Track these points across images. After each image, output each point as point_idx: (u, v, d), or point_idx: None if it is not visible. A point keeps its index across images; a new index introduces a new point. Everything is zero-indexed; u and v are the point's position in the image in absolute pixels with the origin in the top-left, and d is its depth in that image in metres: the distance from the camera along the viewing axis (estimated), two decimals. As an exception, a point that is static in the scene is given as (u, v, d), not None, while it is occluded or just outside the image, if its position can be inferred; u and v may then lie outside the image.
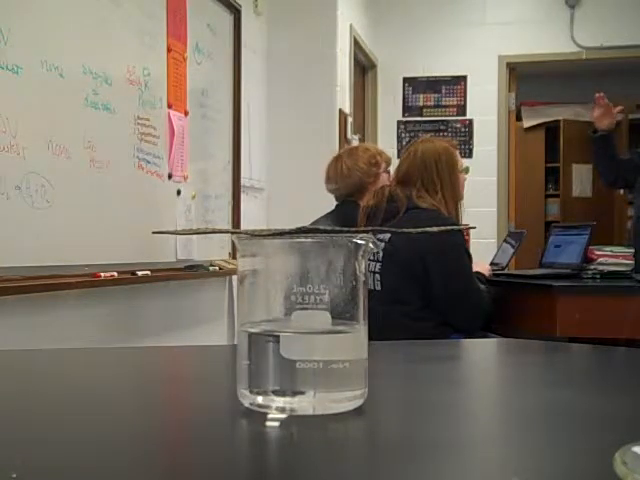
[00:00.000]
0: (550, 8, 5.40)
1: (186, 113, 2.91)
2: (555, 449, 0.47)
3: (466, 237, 2.51)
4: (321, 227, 0.57)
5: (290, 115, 4.00)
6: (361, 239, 0.55)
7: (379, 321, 2.15)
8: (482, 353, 1.01)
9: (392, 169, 2.83)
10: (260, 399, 0.54)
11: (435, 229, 0.65)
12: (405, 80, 5.56)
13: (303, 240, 0.54)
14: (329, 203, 3.03)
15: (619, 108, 3.48)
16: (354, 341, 0.55)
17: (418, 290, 2.31)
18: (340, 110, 4.18)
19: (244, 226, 3.47)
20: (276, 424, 0.52)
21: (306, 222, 2.48)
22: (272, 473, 0.44)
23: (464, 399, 0.65)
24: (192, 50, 2.98)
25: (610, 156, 3.47)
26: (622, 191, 6.34)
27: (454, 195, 2.42)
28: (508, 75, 5.54)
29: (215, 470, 0.43)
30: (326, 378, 0.53)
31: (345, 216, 2.72)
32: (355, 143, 4.37)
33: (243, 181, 3.54)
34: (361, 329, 0.55)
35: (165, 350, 1.11)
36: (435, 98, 5.55)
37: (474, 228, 0.81)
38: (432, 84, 5.53)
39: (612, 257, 3.03)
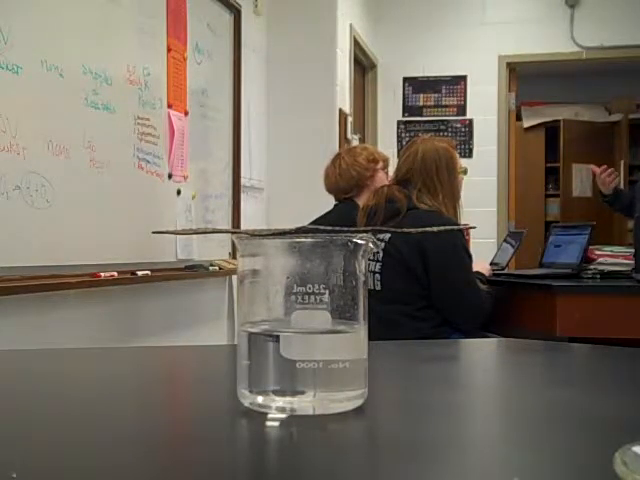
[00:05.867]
0: (550, 8, 5.40)
1: (186, 113, 2.91)
2: (555, 449, 0.47)
3: (466, 237, 2.51)
4: (321, 227, 0.57)
5: (290, 115, 4.00)
6: (361, 239, 0.55)
7: (379, 321, 2.15)
8: (482, 353, 1.01)
9: (391, 169, 2.84)
10: (260, 399, 0.54)
11: (435, 229, 0.66)
12: (405, 80, 5.56)
13: (303, 240, 0.54)
14: (329, 203, 3.03)
15: (611, 170, 3.61)
16: (354, 341, 0.55)
17: (418, 290, 2.31)
18: (340, 110, 4.18)
19: (244, 226, 3.47)
20: (276, 424, 0.52)
21: (306, 222, 2.48)
22: (272, 473, 0.44)
23: (464, 399, 0.65)
24: (192, 50, 2.98)
25: (627, 206, 3.59)
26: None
27: (453, 196, 2.42)
28: (508, 75, 5.54)
29: (215, 470, 0.43)
30: (326, 378, 0.53)
31: (343, 215, 2.72)
32: (355, 143, 4.38)
33: (243, 181, 3.54)
34: (361, 329, 0.55)
35: (165, 350, 1.11)
36: (435, 98, 5.55)
37: (474, 228, 0.81)
38: (432, 84, 5.53)
39: (612, 257, 3.03)
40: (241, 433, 0.54)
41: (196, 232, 0.68)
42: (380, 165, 2.93)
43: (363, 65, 5.27)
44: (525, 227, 3.99)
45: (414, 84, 5.56)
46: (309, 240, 0.54)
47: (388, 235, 2.33)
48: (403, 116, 5.58)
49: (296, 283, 0.53)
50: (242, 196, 3.50)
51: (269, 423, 0.52)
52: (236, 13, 3.43)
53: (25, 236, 1.98)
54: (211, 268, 3.03)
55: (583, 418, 0.56)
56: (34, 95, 2.01)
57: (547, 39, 5.40)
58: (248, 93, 3.63)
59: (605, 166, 3.59)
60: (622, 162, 7.04)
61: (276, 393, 0.53)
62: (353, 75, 4.59)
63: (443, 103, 5.54)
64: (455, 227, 1.95)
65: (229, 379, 0.58)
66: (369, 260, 2.33)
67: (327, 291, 0.53)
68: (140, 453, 0.47)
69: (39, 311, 2.08)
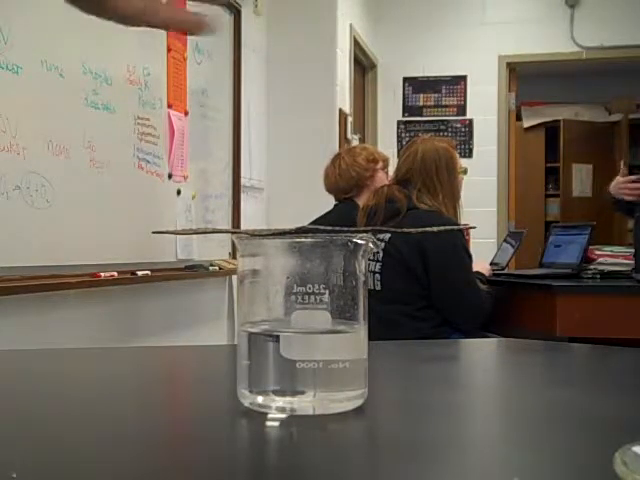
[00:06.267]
0: (550, 8, 5.40)
1: (186, 113, 2.91)
2: (555, 449, 0.47)
3: (466, 237, 2.51)
4: (321, 227, 0.57)
5: (290, 115, 4.00)
6: (361, 239, 0.55)
7: (379, 321, 2.15)
8: (482, 353, 1.01)
9: (391, 169, 2.84)
10: (260, 399, 0.54)
11: (435, 229, 0.65)
12: (405, 80, 5.56)
13: (303, 240, 0.54)
14: (329, 203, 3.03)
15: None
16: (354, 341, 0.55)
17: (418, 290, 2.31)
18: (340, 110, 4.18)
19: (244, 226, 3.47)
20: (276, 424, 0.52)
21: (306, 222, 2.48)
22: (272, 473, 0.44)
23: (464, 399, 0.65)
24: (192, 50, 2.98)
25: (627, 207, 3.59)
26: None
27: (453, 196, 2.42)
28: (508, 75, 5.54)
29: (215, 470, 0.43)
30: (326, 378, 0.53)
31: (343, 215, 2.72)
32: (355, 143, 4.38)
33: (243, 181, 3.54)
34: (361, 329, 0.55)
35: (165, 350, 1.11)
36: (435, 98, 5.55)
37: (474, 228, 0.81)
38: (432, 84, 5.53)
39: (612, 257, 3.03)
40: (241, 433, 0.54)
41: (196, 232, 0.68)
42: (380, 165, 2.93)
43: (363, 65, 5.27)
44: (525, 227, 3.99)
45: (414, 84, 5.56)
46: (309, 240, 0.54)
47: (388, 235, 2.33)
48: (403, 116, 5.59)
49: (296, 283, 0.53)
50: (242, 196, 3.50)
51: (269, 423, 0.52)
52: (236, 13, 3.43)
53: (25, 236, 1.98)
54: (211, 268, 3.03)
55: (583, 418, 0.56)
56: (34, 95, 2.01)
57: (547, 39, 5.40)
58: (248, 93, 3.63)
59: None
60: (622, 162, 7.04)
61: (276, 393, 0.53)
62: (353, 75, 4.59)
63: (443, 103, 5.55)
64: (455, 227, 1.95)
65: (229, 379, 0.58)
66: (369, 260, 2.33)
67: (327, 291, 0.53)
68: (140, 453, 0.47)
69: (39, 311, 2.08)
